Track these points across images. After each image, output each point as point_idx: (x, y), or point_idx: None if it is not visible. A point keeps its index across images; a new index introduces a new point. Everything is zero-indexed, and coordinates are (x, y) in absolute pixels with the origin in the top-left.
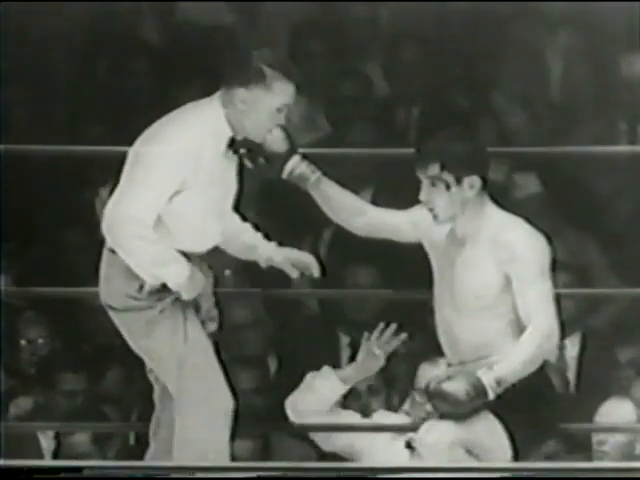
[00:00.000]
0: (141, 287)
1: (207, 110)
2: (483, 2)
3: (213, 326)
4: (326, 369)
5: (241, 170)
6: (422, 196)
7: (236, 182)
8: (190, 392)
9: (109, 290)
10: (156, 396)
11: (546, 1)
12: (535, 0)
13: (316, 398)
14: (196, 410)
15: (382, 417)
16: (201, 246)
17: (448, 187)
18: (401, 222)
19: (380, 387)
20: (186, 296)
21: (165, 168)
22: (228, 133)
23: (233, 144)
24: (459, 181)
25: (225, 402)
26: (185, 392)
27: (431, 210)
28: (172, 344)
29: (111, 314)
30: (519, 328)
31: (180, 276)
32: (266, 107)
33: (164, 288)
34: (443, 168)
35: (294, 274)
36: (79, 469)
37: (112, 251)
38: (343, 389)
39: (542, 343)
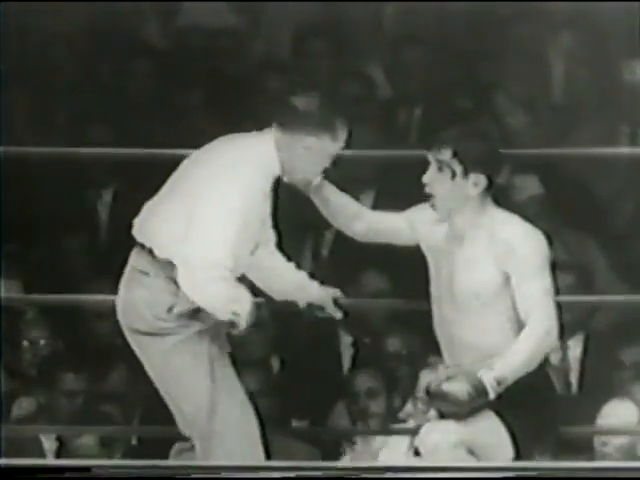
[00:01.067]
0: (170, 309)
1: (262, 151)
2: (485, 3)
3: (227, 347)
4: None
5: (275, 207)
6: (426, 178)
7: (270, 219)
8: (224, 420)
9: (134, 312)
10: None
11: (548, 1)
12: (537, 0)
13: None
14: (232, 439)
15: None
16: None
17: (453, 176)
18: (399, 225)
19: (380, 390)
20: (244, 324)
21: (232, 209)
22: (276, 174)
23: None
24: (466, 174)
25: (255, 424)
26: (218, 420)
27: (431, 197)
28: (198, 370)
29: (132, 338)
30: (519, 326)
31: (247, 307)
32: (328, 154)
33: (193, 312)
34: (455, 155)
35: (338, 315)
36: (85, 469)
37: (143, 272)
38: None
39: (541, 340)
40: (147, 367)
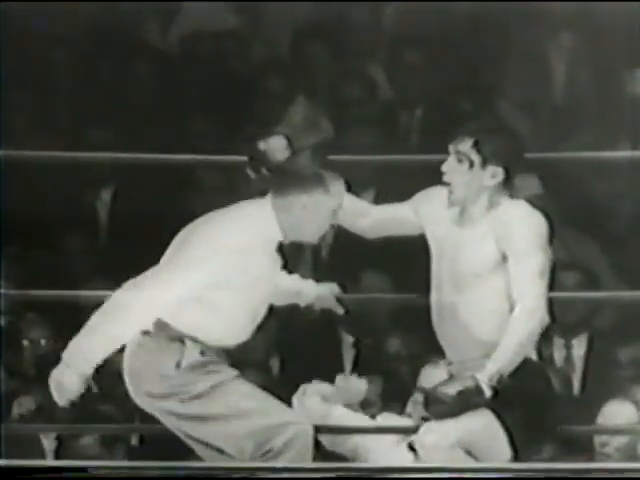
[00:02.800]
0: (178, 364)
1: (260, 218)
2: (486, 5)
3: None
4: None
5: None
6: (444, 167)
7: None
8: (277, 443)
9: (141, 376)
10: None
11: (548, 1)
12: (537, 0)
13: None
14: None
15: (386, 419)
16: (230, 341)
17: (471, 166)
18: (404, 213)
19: (388, 387)
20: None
21: (231, 287)
22: (279, 239)
23: (281, 247)
24: (484, 165)
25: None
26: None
27: (448, 184)
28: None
29: (148, 405)
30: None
31: None
32: (325, 210)
33: (205, 363)
34: (475, 145)
35: (340, 310)
36: (82, 469)
37: (144, 333)
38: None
39: (527, 323)
40: (179, 432)
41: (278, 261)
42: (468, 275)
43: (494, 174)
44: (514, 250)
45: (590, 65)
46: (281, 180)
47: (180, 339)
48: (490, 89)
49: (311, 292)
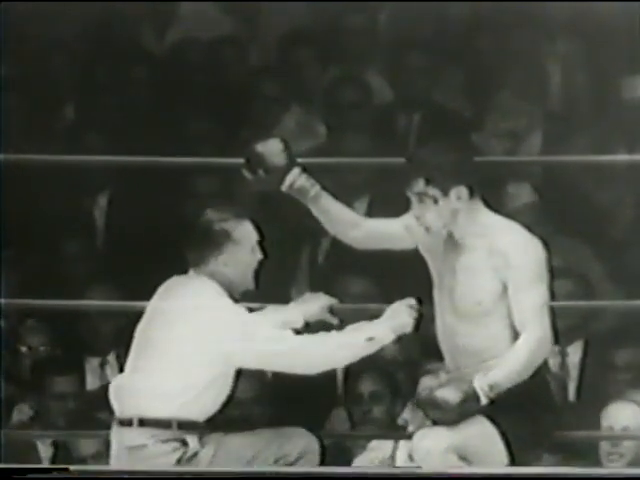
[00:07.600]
0: (179, 460)
1: (205, 292)
2: (483, 9)
3: None
4: None
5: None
6: (414, 213)
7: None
8: None
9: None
10: None
11: (548, 1)
12: (536, 0)
13: None
14: None
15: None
16: (199, 416)
17: (436, 201)
18: (396, 230)
19: (384, 394)
20: None
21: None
22: (228, 297)
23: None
24: (446, 193)
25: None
26: None
27: (423, 224)
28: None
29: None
30: (517, 332)
31: None
32: (244, 256)
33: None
34: (428, 183)
35: (334, 321)
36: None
37: (140, 446)
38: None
39: (535, 350)
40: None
41: (243, 312)
42: (469, 303)
43: (458, 195)
44: (516, 281)
45: (587, 70)
46: (199, 255)
47: (184, 441)
48: (487, 93)
49: (298, 317)
